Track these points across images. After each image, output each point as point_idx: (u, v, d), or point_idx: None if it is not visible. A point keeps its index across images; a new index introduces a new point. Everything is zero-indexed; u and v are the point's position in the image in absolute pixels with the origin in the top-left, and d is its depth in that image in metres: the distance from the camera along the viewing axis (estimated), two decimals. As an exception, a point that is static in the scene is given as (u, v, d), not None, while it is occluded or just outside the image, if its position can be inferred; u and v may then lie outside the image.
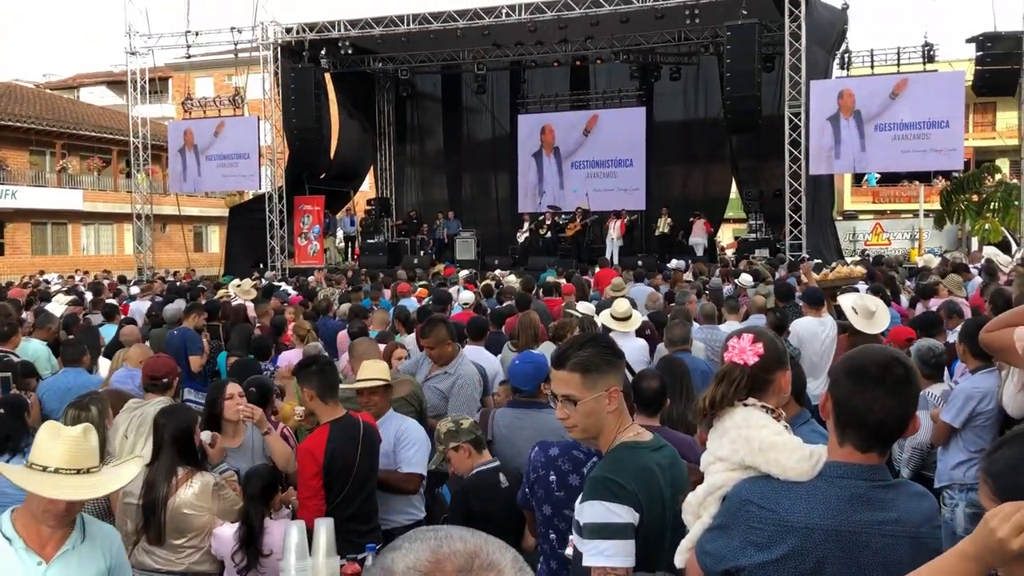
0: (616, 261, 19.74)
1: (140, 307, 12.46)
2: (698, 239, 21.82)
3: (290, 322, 8.67)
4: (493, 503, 3.89)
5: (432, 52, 24.97)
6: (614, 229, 21.61)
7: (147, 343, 8.38)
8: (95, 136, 34.75)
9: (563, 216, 23.02)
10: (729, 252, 23.83)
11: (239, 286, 12.99)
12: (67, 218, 33.92)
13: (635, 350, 7.02)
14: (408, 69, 25.79)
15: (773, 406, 2.25)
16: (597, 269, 16.05)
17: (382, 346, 6.58)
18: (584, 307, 8.79)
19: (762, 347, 2.28)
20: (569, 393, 2.50)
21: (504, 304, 10.04)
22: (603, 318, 7.47)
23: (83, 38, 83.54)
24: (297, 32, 23.53)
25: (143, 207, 26.68)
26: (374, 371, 4.66)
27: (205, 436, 4.18)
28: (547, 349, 5.83)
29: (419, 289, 12.51)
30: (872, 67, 20.39)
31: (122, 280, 19.95)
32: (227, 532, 3.77)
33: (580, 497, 2.47)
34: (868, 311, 6.28)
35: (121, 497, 3.87)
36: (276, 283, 16.53)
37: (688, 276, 14.75)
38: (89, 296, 13.93)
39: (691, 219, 22.14)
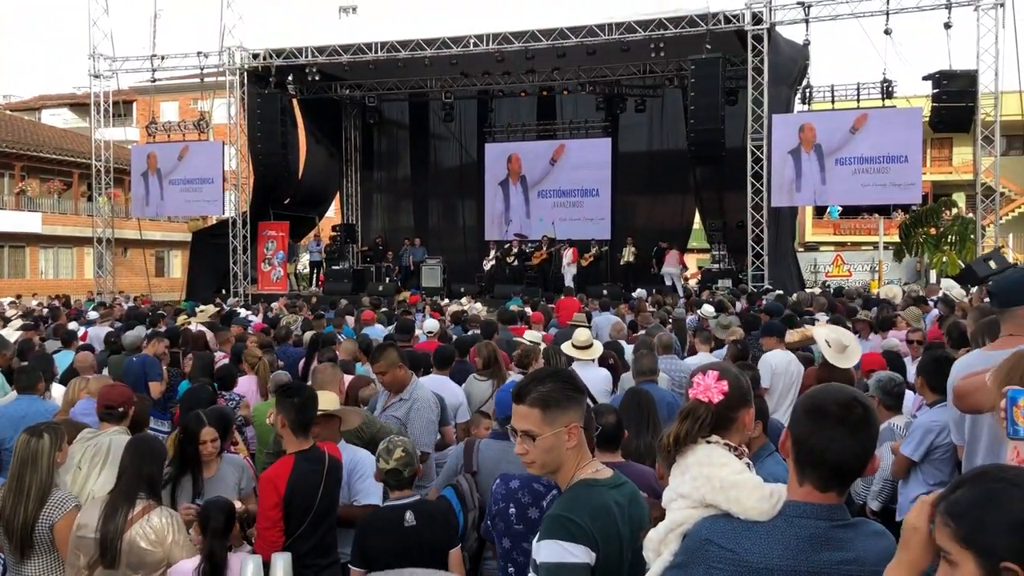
0: (574, 288, 19.77)
1: (99, 333, 12.23)
2: (670, 269, 22.01)
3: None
4: (391, 541, 3.77)
5: (400, 80, 25.05)
6: (566, 257, 21.90)
7: (106, 371, 8.24)
8: (56, 159, 34.34)
9: (529, 244, 23.12)
10: (692, 282, 24.02)
11: (203, 311, 12.86)
12: (25, 241, 33.42)
13: (598, 380, 7.01)
14: (375, 96, 25.80)
15: (736, 443, 2.24)
16: (561, 297, 16.10)
17: (349, 377, 6.51)
18: (531, 335, 8.64)
19: (727, 385, 2.28)
20: (528, 429, 2.45)
21: (469, 333, 9.99)
22: (565, 347, 7.43)
23: (46, 60, 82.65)
24: (264, 58, 23.47)
25: (104, 231, 26.34)
26: (319, 401, 4.57)
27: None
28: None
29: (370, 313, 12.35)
30: (833, 102, 20.74)
31: (65, 303, 19.60)
32: (187, 567, 3.69)
33: (537, 535, 2.44)
34: (841, 345, 6.25)
35: (74, 530, 3.78)
36: (237, 309, 16.35)
37: (650, 307, 14.80)
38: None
39: (663, 249, 22.35)
